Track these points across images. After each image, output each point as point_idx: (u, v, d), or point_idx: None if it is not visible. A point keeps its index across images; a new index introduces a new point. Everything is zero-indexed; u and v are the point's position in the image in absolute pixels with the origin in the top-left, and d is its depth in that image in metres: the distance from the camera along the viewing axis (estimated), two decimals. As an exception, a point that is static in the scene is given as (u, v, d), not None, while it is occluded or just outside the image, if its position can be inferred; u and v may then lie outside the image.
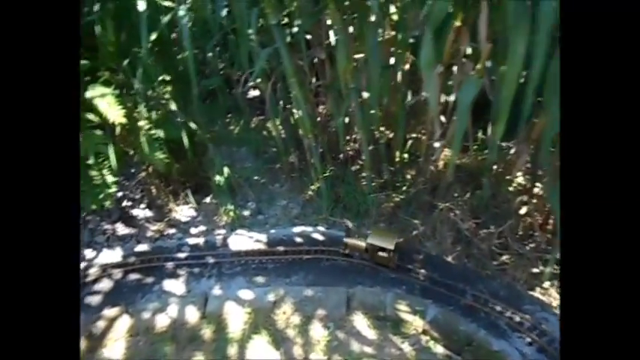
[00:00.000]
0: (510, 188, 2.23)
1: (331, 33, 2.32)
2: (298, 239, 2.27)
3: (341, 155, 2.60)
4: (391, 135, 2.35)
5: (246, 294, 1.94)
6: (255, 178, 2.76)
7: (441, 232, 2.16)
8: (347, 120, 2.37)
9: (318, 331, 1.79)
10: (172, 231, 2.40)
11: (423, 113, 2.26)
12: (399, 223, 2.29)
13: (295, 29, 2.13)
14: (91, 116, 1.75)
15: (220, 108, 2.86)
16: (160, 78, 2.06)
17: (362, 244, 2.02)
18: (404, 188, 2.38)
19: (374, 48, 1.86)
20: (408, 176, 2.39)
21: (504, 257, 2.06)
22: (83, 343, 1.75)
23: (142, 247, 2.28)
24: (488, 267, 2.02)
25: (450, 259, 2.07)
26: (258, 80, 2.35)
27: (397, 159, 2.41)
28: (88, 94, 1.74)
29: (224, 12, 2.20)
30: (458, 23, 1.57)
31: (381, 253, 1.98)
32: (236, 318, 1.84)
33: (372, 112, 2.07)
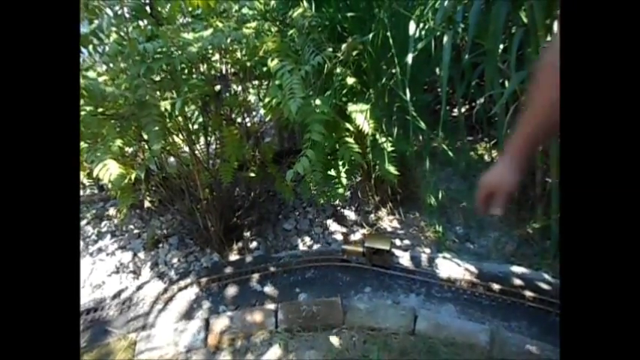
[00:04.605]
0: None
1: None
2: (517, 281, 2.05)
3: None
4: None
5: (458, 324, 1.86)
6: (463, 202, 2.65)
7: None
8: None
9: (547, 396, 1.56)
10: (378, 238, 2.52)
11: None
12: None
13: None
14: (349, 127, 1.97)
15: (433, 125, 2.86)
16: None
17: (359, 249, 2.21)
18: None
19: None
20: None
21: None
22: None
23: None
24: None
25: None
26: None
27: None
28: (350, 107, 1.97)
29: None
30: None
31: (376, 255, 2.15)
32: (447, 345, 1.78)
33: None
